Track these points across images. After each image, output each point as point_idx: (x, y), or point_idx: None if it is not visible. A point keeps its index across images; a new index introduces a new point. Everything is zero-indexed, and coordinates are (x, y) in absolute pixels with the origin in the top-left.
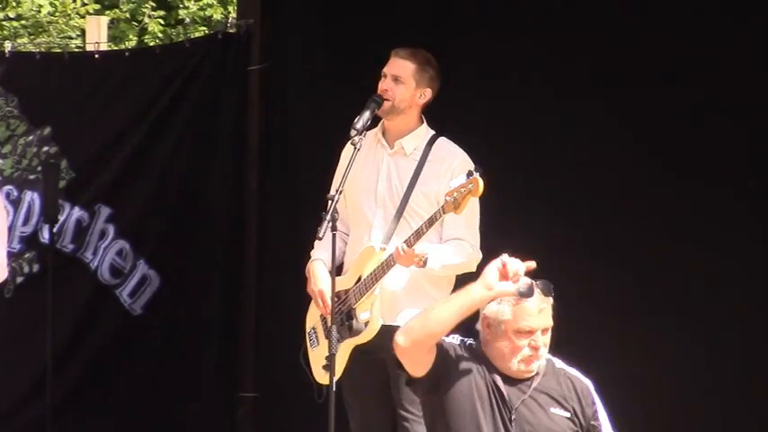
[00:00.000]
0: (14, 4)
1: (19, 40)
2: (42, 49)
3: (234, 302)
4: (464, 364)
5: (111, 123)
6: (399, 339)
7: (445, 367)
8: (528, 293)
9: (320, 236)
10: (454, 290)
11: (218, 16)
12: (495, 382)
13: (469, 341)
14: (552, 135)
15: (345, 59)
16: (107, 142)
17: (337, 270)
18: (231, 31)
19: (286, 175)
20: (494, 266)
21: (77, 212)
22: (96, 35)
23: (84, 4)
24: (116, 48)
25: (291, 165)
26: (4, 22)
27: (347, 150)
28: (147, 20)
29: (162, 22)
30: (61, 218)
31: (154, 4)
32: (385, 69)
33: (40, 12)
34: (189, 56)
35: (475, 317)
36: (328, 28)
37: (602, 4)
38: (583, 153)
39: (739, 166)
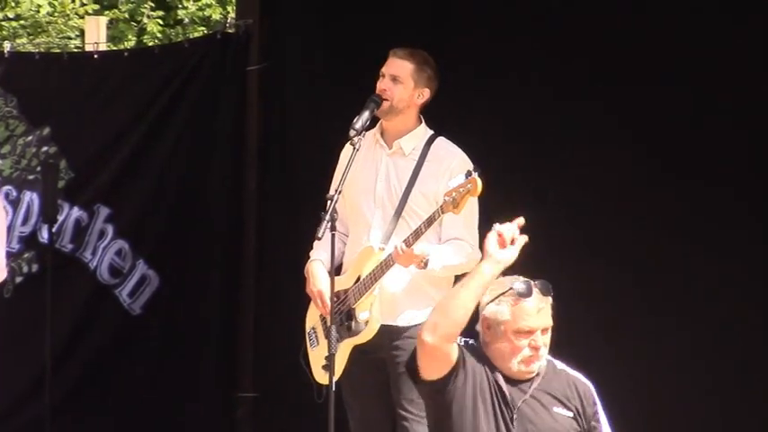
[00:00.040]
0: (13, 4)
1: (18, 41)
2: (41, 50)
3: (233, 302)
4: (468, 365)
5: (110, 123)
6: (427, 338)
7: (453, 369)
8: (526, 293)
9: (319, 236)
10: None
11: (216, 16)
12: (497, 382)
13: (470, 341)
14: (551, 135)
15: (344, 59)
16: (106, 142)
17: (336, 270)
18: (230, 31)
19: (285, 176)
20: (492, 240)
21: (76, 212)
22: (95, 35)
23: (83, 5)
24: (115, 48)
25: (290, 165)
26: (3, 23)
27: (346, 151)
28: (145, 20)
29: (161, 22)
30: (60, 218)
31: (153, 5)
32: (383, 69)
33: (38, 12)
34: (188, 56)
35: (474, 319)
36: (327, 28)
37: (601, 4)
38: (581, 153)
39: (738, 166)
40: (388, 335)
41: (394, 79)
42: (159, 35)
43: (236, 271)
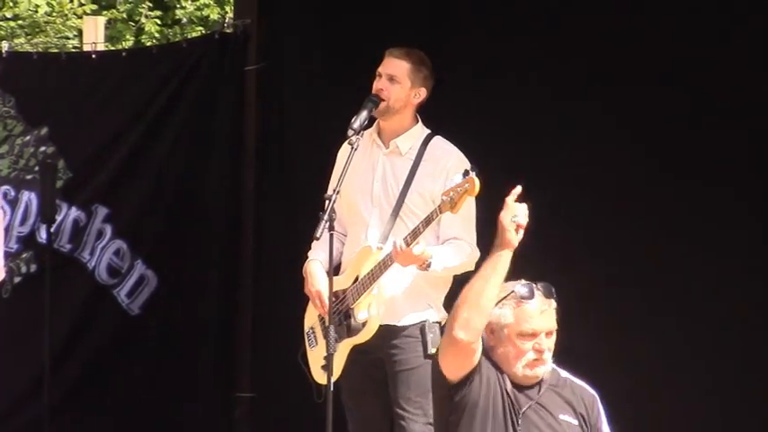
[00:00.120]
0: (11, 4)
1: (16, 41)
2: (39, 50)
3: (231, 302)
4: (484, 369)
5: (109, 123)
6: (461, 334)
7: (473, 370)
8: (528, 295)
9: (317, 236)
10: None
11: (214, 16)
12: (506, 388)
13: None
14: (549, 135)
15: (342, 59)
16: (104, 142)
17: (335, 270)
18: (228, 31)
19: (283, 175)
20: (512, 228)
21: (75, 212)
22: (93, 35)
23: (81, 5)
24: (113, 48)
25: (288, 165)
26: (1, 23)
27: (344, 150)
28: (143, 20)
29: (159, 22)
30: (58, 218)
31: (151, 5)
32: (380, 69)
33: (37, 12)
34: (186, 56)
35: None
36: (325, 28)
37: (599, 4)
38: (580, 153)
39: (738, 166)
40: (387, 334)
41: (391, 79)
42: (157, 35)
43: (234, 271)
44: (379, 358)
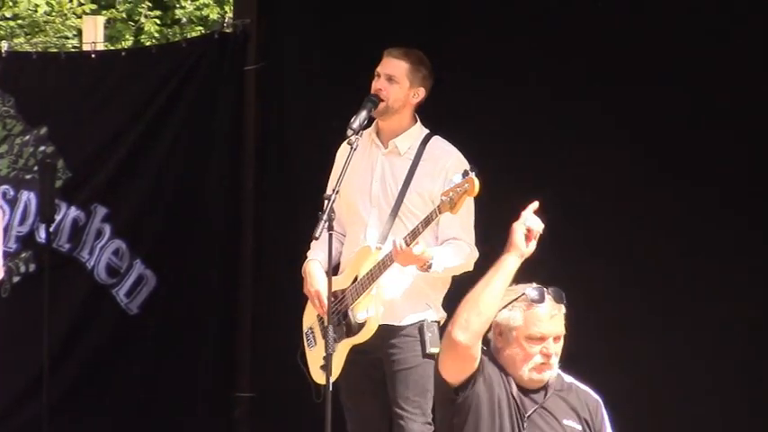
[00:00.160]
0: (11, 3)
1: (15, 40)
2: (39, 49)
3: (230, 302)
4: (487, 371)
5: (108, 123)
6: (460, 336)
7: (474, 372)
8: (539, 299)
9: (317, 236)
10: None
11: (214, 16)
12: (511, 390)
13: (483, 348)
14: (549, 135)
15: (342, 59)
16: (103, 142)
17: (334, 270)
18: (228, 30)
19: (282, 175)
20: (521, 233)
21: (74, 212)
22: (93, 35)
23: (80, 4)
24: (112, 48)
25: (288, 165)
26: (0, 22)
27: (343, 150)
28: (143, 20)
29: (158, 21)
30: (57, 217)
31: (150, 4)
32: (378, 69)
33: (36, 11)
34: (185, 56)
35: None
36: (325, 28)
37: (599, 3)
38: (579, 153)
39: (738, 166)
40: (386, 334)
41: (389, 79)
42: (157, 35)
43: (233, 271)
44: (377, 358)
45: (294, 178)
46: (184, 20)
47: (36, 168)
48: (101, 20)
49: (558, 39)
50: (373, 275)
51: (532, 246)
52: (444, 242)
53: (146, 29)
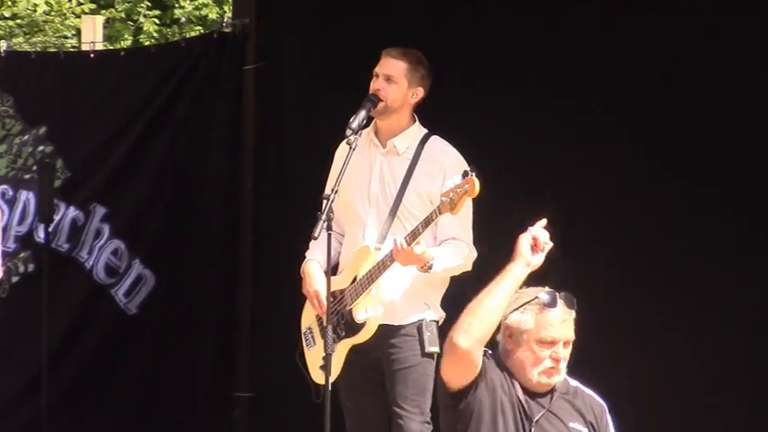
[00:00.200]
0: (10, 3)
1: (14, 40)
2: (38, 49)
3: (229, 302)
4: (489, 375)
5: (107, 123)
6: (461, 342)
7: (476, 378)
8: (551, 303)
9: (315, 235)
10: (451, 288)
11: (213, 16)
12: (517, 395)
13: (489, 351)
14: (549, 135)
15: (341, 59)
16: (102, 142)
17: (332, 270)
18: (227, 30)
19: (281, 176)
20: (526, 242)
21: (72, 212)
22: (92, 35)
23: (79, 4)
24: (111, 47)
25: (287, 165)
26: None
27: (341, 150)
28: (142, 19)
29: (157, 21)
30: (56, 217)
31: (149, 4)
32: (377, 69)
33: (35, 11)
34: (184, 55)
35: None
36: (324, 28)
37: (599, 3)
38: (579, 153)
39: (738, 166)
40: (385, 334)
41: (388, 79)
42: (156, 34)
43: (232, 271)
44: (377, 358)
45: (293, 178)
46: (183, 19)
47: (35, 168)
48: (100, 19)
49: (558, 39)
50: (373, 276)
51: (540, 258)
52: (443, 242)
53: (145, 28)
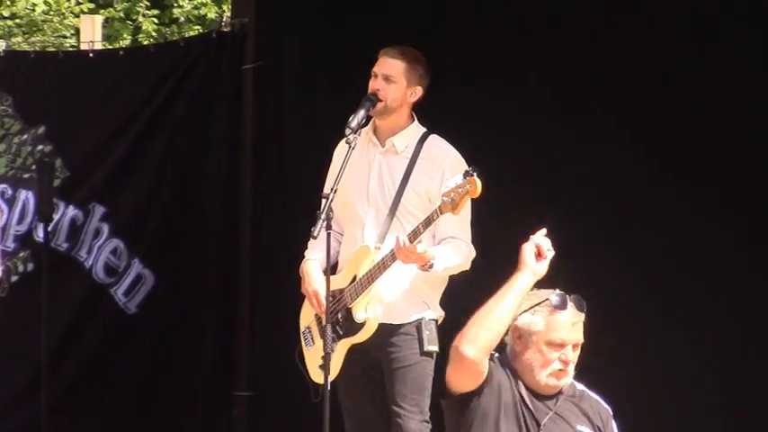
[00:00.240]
0: (9, 2)
1: (13, 39)
2: (37, 48)
3: (228, 301)
4: (495, 380)
5: (106, 122)
6: (468, 351)
7: (482, 383)
8: (562, 305)
9: (315, 234)
10: (449, 288)
11: (212, 15)
12: (522, 396)
13: (497, 354)
14: (549, 135)
15: (341, 59)
16: (102, 141)
17: (331, 269)
18: (226, 29)
19: (280, 175)
20: (530, 251)
21: (72, 211)
22: (90, 34)
23: (78, 3)
24: (110, 47)
25: (286, 164)
26: None
27: (340, 149)
28: (141, 19)
29: (156, 20)
30: (56, 217)
31: (148, 3)
32: (375, 69)
33: (34, 10)
34: (183, 55)
35: None
36: (323, 27)
37: (599, 3)
38: (579, 153)
39: (738, 166)
40: (384, 333)
41: (387, 79)
42: (155, 34)
43: (231, 270)
44: (376, 357)
45: (293, 178)
46: (182, 19)
47: (34, 167)
48: (98, 19)
49: (558, 39)
50: (373, 275)
51: (544, 265)
52: (442, 241)
53: (144, 28)
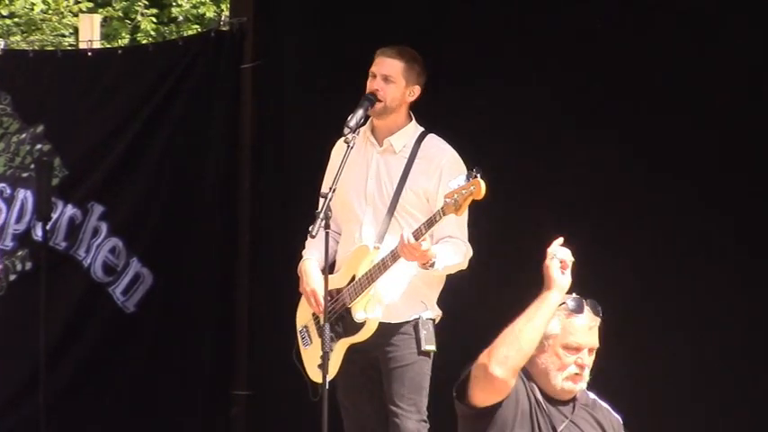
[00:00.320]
0: (7, 1)
1: (12, 38)
2: (35, 47)
3: (227, 301)
4: (516, 388)
5: (105, 121)
6: (498, 371)
7: (504, 398)
8: (578, 309)
9: (313, 234)
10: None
11: (211, 14)
12: (537, 400)
13: None
14: (548, 135)
15: (339, 58)
16: (100, 140)
17: (329, 268)
18: (224, 29)
19: (279, 175)
20: (556, 268)
21: (70, 210)
22: (89, 33)
23: (77, 2)
24: (109, 46)
25: (285, 164)
26: None
27: (337, 148)
28: (139, 18)
29: (155, 20)
30: (54, 215)
31: (147, 2)
32: (373, 69)
33: (33, 10)
34: (182, 54)
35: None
36: (323, 26)
37: (599, 3)
38: (579, 153)
39: (738, 166)
40: (383, 332)
41: (385, 79)
42: (153, 33)
43: (230, 269)
44: (375, 357)
45: (291, 177)
46: (181, 18)
47: (33, 166)
48: (97, 18)
49: (558, 39)
50: (373, 275)
51: (569, 277)
52: (440, 240)
53: (142, 27)
